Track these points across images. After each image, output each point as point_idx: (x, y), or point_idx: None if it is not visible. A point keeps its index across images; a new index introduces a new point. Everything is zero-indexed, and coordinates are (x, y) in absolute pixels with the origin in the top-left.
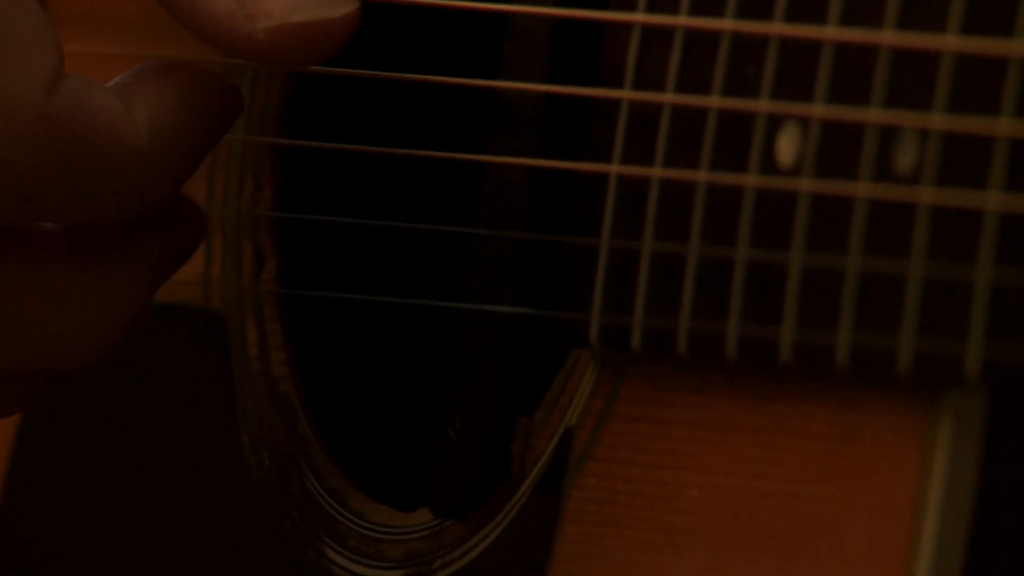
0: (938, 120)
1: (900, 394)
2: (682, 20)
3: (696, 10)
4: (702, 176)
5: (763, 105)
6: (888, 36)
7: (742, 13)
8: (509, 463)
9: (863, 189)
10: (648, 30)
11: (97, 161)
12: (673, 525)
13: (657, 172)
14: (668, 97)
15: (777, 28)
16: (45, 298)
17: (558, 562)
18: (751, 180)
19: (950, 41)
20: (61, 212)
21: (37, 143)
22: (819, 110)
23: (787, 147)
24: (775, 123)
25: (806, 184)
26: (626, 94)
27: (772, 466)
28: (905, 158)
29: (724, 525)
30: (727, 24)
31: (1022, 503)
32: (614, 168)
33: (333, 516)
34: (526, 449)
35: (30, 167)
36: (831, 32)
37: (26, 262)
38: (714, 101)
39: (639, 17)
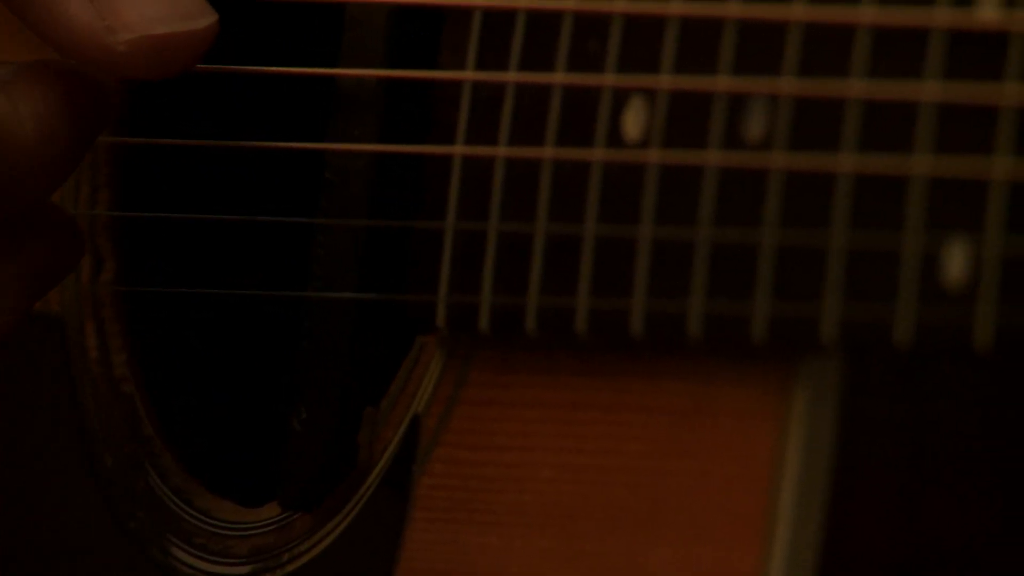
0: (788, 85)
1: (755, 365)
2: (524, 1)
3: None
4: (548, 153)
5: (608, 79)
6: (734, 8)
7: None
8: (356, 453)
9: (713, 158)
10: (489, 12)
11: None
12: (524, 507)
13: (502, 151)
14: (511, 76)
15: (620, 6)
16: None
17: (408, 550)
18: (598, 154)
19: (798, 10)
20: None
21: None
22: (666, 81)
23: (634, 120)
24: (621, 97)
25: (654, 155)
26: (468, 75)
27: (625, 442)
28: (755, 125)
29: (577, 504)
30: (570, 4)
31: (879, 470)
32: (458, 149)
33: (179, 515)
34: (373, 438)
35: None
36: (676, 7)
37: None
38: (558, 78)
39: (480, 1)
